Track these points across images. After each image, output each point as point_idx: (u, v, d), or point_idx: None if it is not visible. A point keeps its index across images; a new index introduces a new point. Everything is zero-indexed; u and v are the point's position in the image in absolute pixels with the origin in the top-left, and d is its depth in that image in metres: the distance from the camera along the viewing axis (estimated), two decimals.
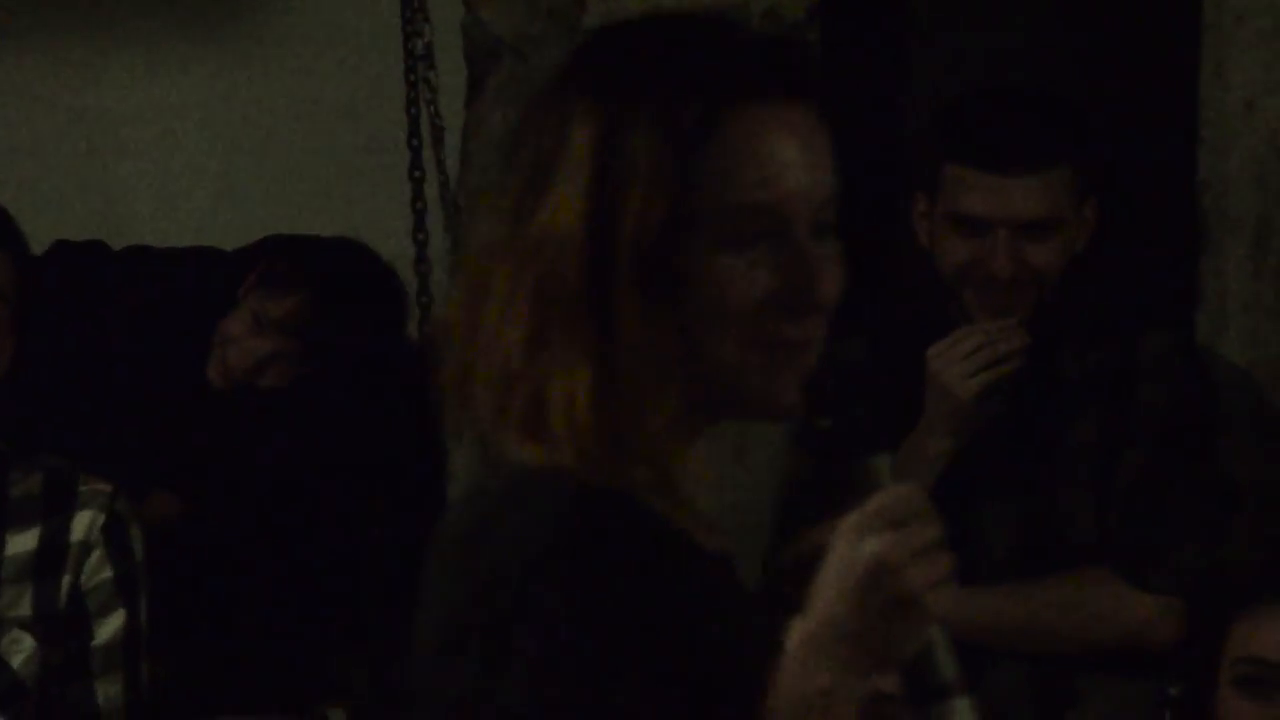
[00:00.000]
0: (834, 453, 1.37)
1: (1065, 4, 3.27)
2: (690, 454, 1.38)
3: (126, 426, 3.18)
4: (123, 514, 2.35)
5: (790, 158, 1.34)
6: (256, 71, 3.82)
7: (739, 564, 1.45)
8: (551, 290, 1.32)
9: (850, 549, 1.25)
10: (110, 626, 2.40)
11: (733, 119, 1.33)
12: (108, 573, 2.37)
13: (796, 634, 1.23)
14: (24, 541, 2.32)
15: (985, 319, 2.68)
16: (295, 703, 2.99)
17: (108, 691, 2.40)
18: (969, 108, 2.84)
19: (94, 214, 3.89)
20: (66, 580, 2.33)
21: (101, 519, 2.36)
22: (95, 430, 3.12)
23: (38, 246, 2.72)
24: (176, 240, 3.42)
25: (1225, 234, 3.10)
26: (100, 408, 3.18)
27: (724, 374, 1.35)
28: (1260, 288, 3.05)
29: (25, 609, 2.31)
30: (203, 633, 2.98)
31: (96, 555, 2.32)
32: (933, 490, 2.63)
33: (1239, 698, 2.46)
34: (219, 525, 3.15)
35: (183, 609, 2.86)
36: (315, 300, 3.05)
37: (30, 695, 2.29)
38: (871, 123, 3.20)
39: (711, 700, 1.30)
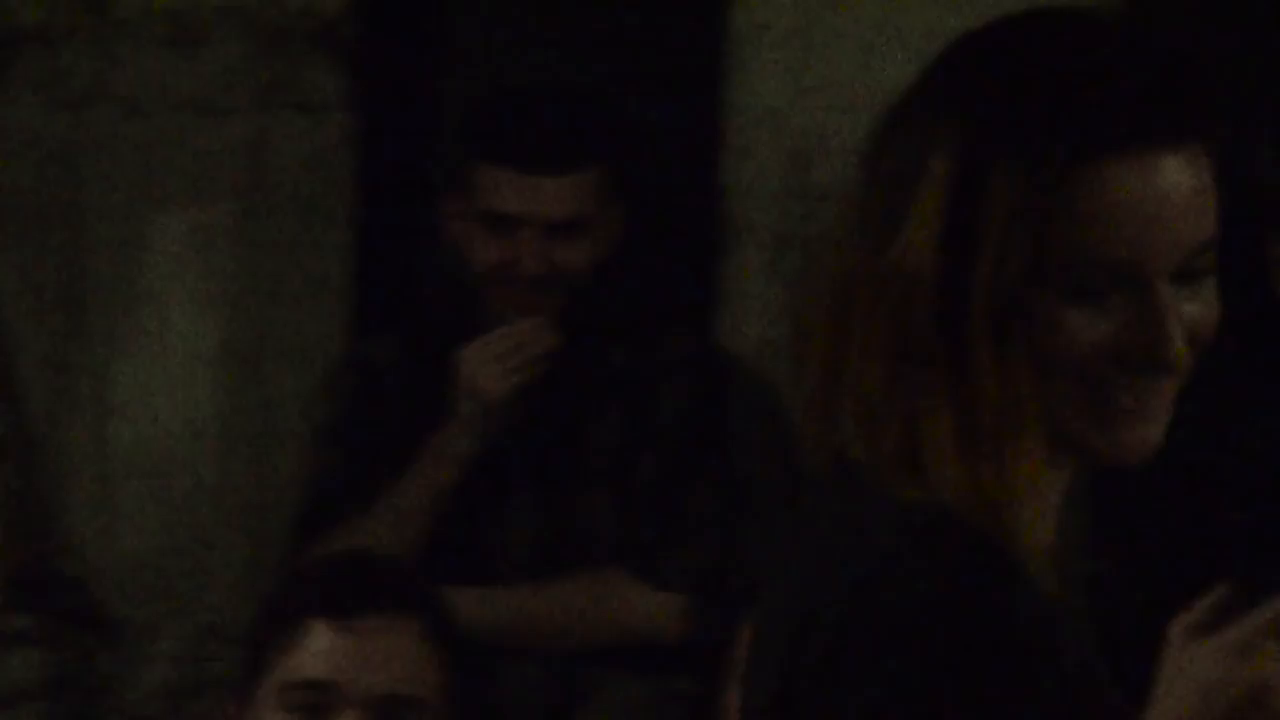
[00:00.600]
0: None
1: (594, 8, 3.36)
2: (1045, 501, 1.35)
3: None
4: None
5: (1154, 210, 1.30)
6: None
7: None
8: (906, 329, 1.28)
9: (1225, 668, 1.25)
10: None
11: (1103, 165, 1.29)
12: None
13: None
14: None
15: (514, 318, 2.71)
16: None
17: None
18: (498, 106, 2.87)
19: None
20: None
21: None
22: None
23: None
24: None
25: (746, 239, 3.24)
26: None
27: (1068, 427, 1.32)
28: (778, 293, 3.19)
29: None
30: None
31: None
32: (455, 489, 2.77)
33: None
34: None
35: None
36: None
37: None
38: (409, 120, 3.22)
39: None
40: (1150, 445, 1.29)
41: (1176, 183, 1.30)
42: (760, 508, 2.88)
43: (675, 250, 3.36)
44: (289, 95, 3.41)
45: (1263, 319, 3.08)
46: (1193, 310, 1.30)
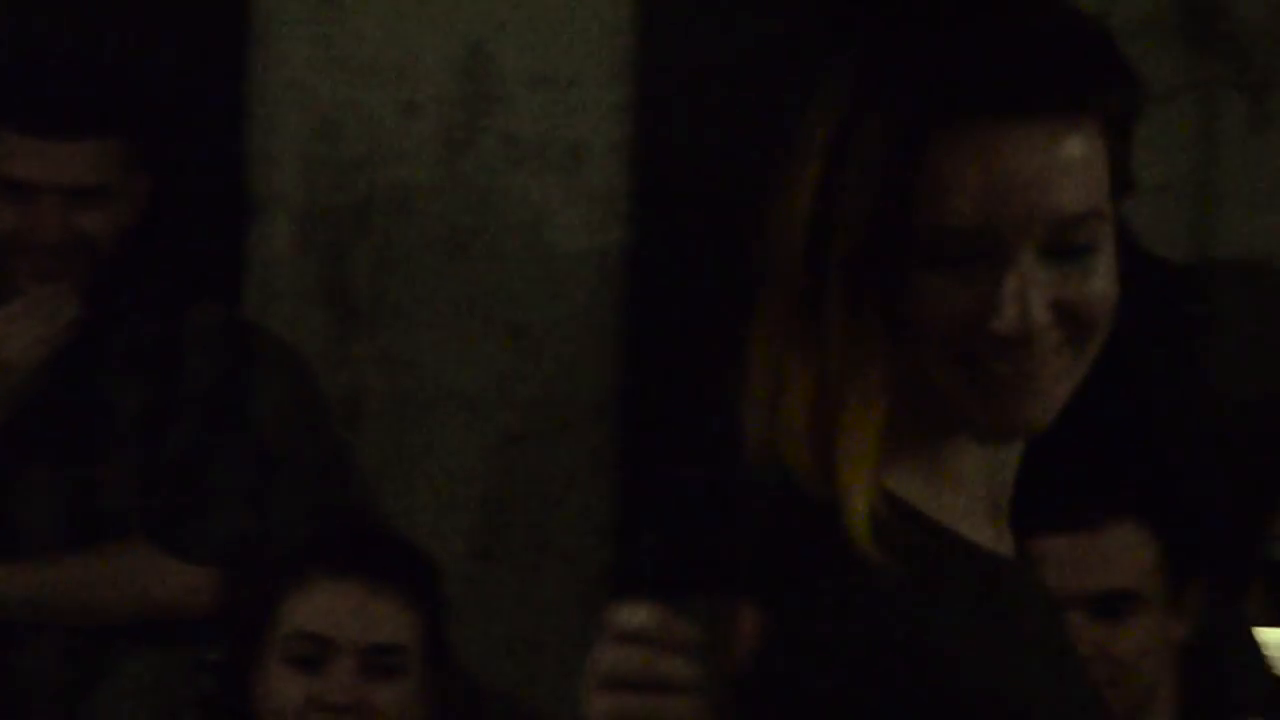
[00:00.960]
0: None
1: None
2: (948, 470, 1.32)
3: None
4: None
5: (1014, 178, 1.26)
6: None
7: None
8: (776, 291, 1.28)
9: None
10: None
11: (964, 128, 1.25)
12: None
13: None
14: None
15: (35, 286, 2.70)
16: None
17: None
18: (11, 70, 2.86)
19: None
20: None
21: None
22: None
23: None
24: None
25: (274, 210, 3.29)
26: None
27: (951, 398, 1.29)
28: (305, 265, 3.26)
29: None
30: None
31: None
32: None
33: (289, 672, 2.58)
34: None
35: None
36: None
37: None
38: None
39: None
40: (1032, 418, 1.28)
41: (1044, 151, 1.27)
42: (291, 479, 2.93)
43: (202, 220, 3.31)
44: None
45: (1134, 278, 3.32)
46: (1070, 285, 1.28)
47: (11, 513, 2.80)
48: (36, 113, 2.70)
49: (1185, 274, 3.49)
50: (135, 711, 2.84)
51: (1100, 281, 1.27)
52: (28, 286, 2.68)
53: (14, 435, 2.71)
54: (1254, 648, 2.42)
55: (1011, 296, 1.24)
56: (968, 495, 1.32)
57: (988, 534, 1.33)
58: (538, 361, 3.48)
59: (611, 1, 3.57)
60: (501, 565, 3.53)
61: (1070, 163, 1.27)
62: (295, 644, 2.58)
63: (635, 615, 1.19)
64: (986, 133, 1.24)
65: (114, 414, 2.79)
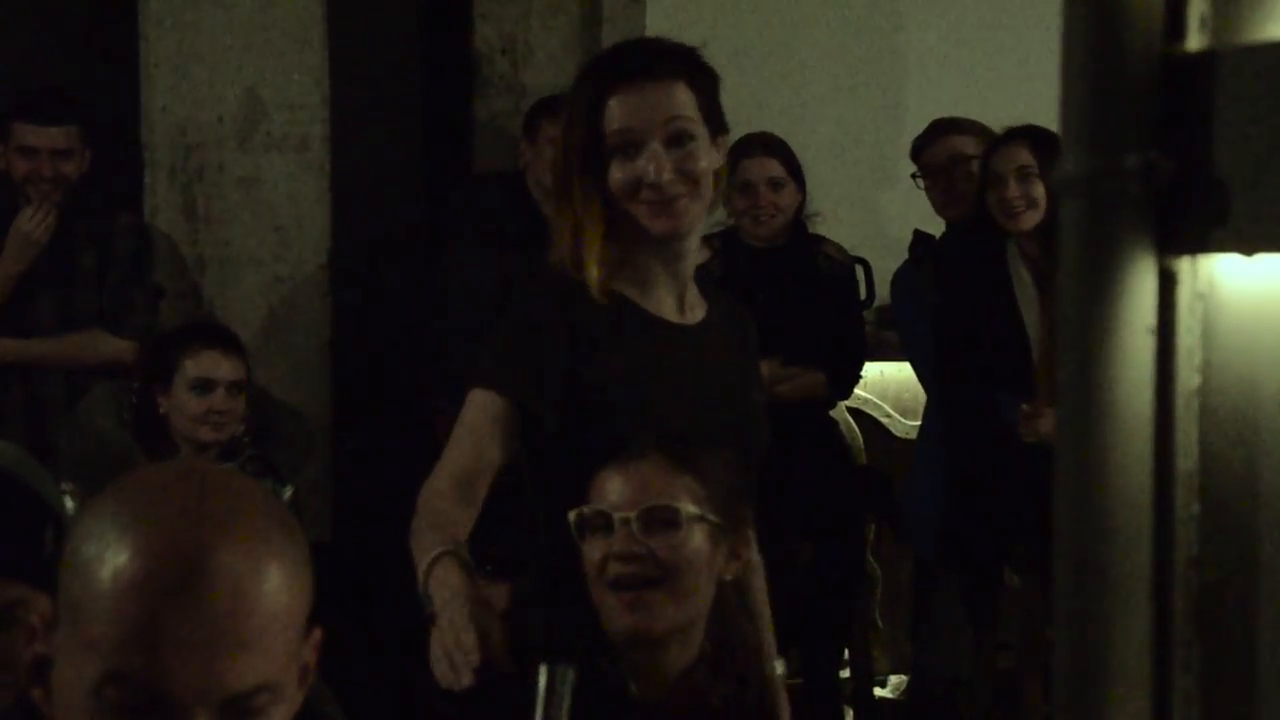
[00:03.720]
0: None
1: None
2: (643, 264, 2.33)
3: None
4: None
5: (638, 103, 2.26)
6: None
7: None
8: (556, 189, 2.38)
9: None
10: None
11: (612, 91, 2.29)
12: None
13: None
14: None
15: (36, 202, 3.86)
16: None
17: None
18: (20, 92, 3.85)
19: None
20: None
21: None
22: None
23: None
24: None
25: (152, 163, 4.48)
26: None
27: (625, 220, 2.28)
28: (171, 195, 4.49)
29: None
30: None
31: None
32: None
33: (191, 395, 3.58)
34: None
35: None
36: None
37: None
38: None
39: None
40: (672, 226, 2.31)
41: (651, 93, 2.29)
42: (167, 300, 4.21)
43: (117, 169, 4.33)
44: None
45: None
46: (677, 158, 2.29)
47: (27, 317, 3.98)
48: (38, 111, 3.89)
49: None
50: (106, 409, 3.85)
51: (696, 159, 2.31)
52: (35, 200, 3.88)
53: (28, 277, 3.92)
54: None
55: (661, 164, 2.28)
56: (657, 286, 2.34)
57: (671, 309, 2.39)
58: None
59: None
60: None
61: (673, 96, 2.29)
62: (194, 383, 3.63)
63: None
64: (626, 88, 2.35)
65: (79, 267, 3.99)
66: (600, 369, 2.28)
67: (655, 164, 2.26)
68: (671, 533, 2.05)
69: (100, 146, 4.19)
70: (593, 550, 2.06)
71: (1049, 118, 3.70)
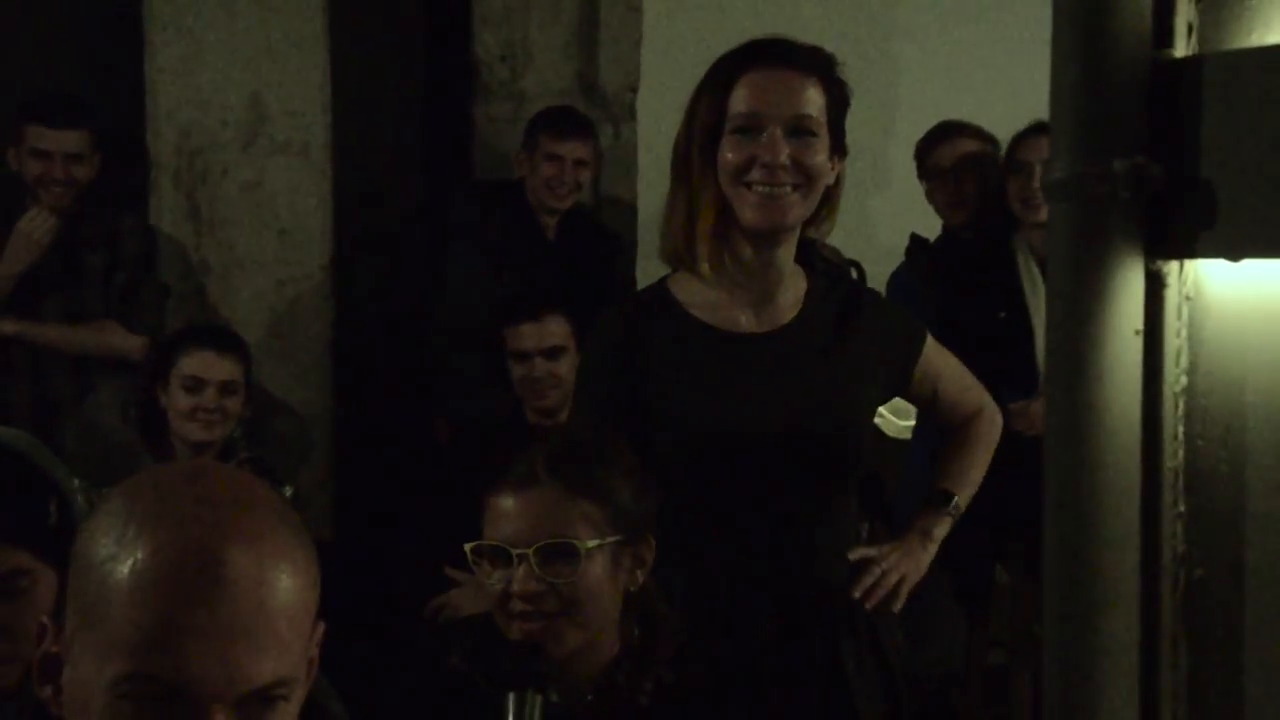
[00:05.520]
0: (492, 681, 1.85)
1: None
2: (743, 253, 2.27)
3: None
4: None
5: (769, 88, 2.19)
6: None
7: None
8: (674, 173, 2.30)
9: None
10: None
11: (744, 73, 2.22)
12: None
13: None
14: None
15: (44, 203, 3.84)
16: None
17: None
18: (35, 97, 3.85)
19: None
20: None
21: None
22: None
23: None
24: None
25: (158, 169, 4.38)
26: None
27: (736, 211, 2.23)
28: (177, 199, 4.41)
29: None
30: None
31: None
32: None
33: (184, 393, 3.61)
34: None
35: None
36: None
37: None
38: None
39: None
40: (771, 223, 2.24)
41: (783, 82, 2.19)
42: (173, 299, 4.17)
43: (124, 172, 4.27)
44: None
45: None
46: (796, 147, 2.20)
47: (35, 316, 3.95)
48: (52, 114, 3.87)
49: None
50: (112, 407, 3.91)
51: (813, 153, 2.21)
52: (45, 201, 3.85)
53: (33, 277, 3.90)
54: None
55: (780, 151, 2.16)
56: (735, 292, 2.29)
57: (746, 318, 2.35)
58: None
59: None
60: None
61: (804, 89, 2.19)
62: (185, 381, 3.63)
63: None
64: (756, 73, 2.20)
65: (86, 267, 3.97)
66: (657, 386, 2.27)
67: (774, 146, 2.19)
68: (571, 566, 2.02)
69: (108, 151, 4.18)
70: (494, 582, 2.04)
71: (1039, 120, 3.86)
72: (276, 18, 4.39)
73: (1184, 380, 1.60)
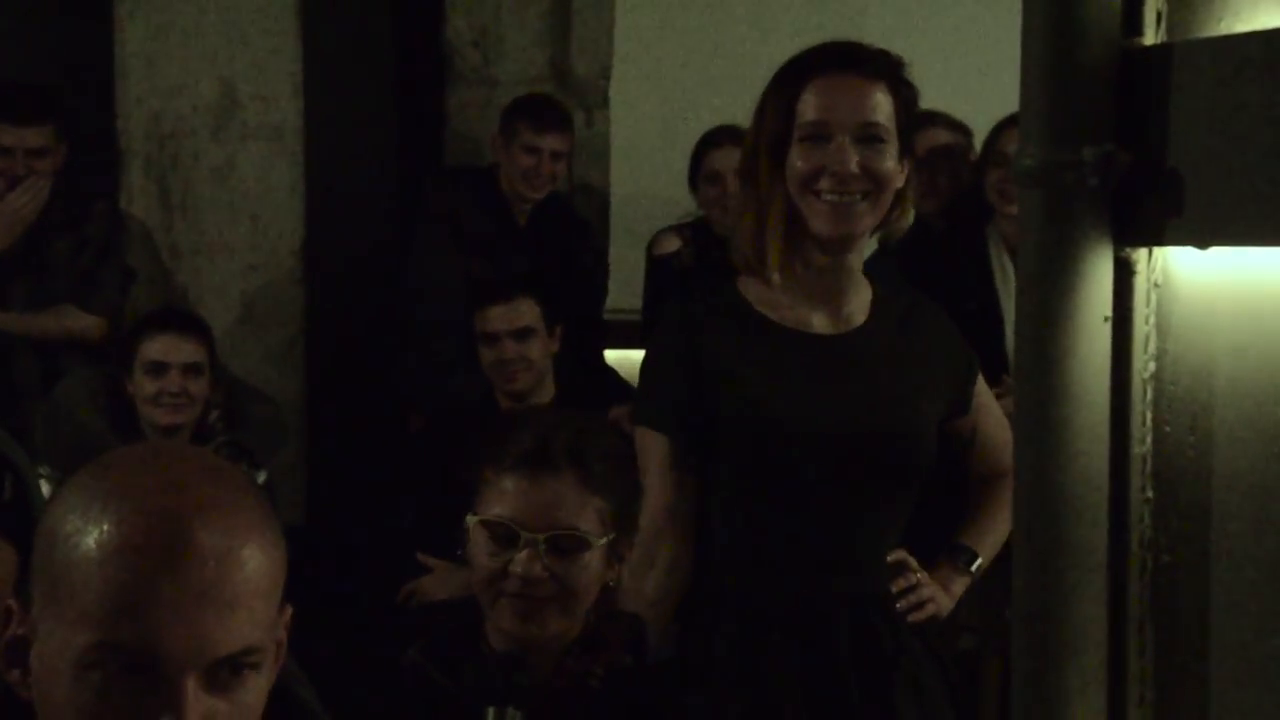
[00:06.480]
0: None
1: None
2: (811, 259, 2.26)
3: None
4: None
5: (837, 95, 2.18)
6: None
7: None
8: (744, 178, 2.31)
9: None
10: None
11: (811, 80, 2.20)
12: None
13: None
14: None
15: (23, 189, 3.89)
16: None
17: None
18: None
19: None
20: None
21: None
22: None
23: None
24: None
25: (129, 155, 4.44)
26: None
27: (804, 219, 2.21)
28: (148, 185, 4.46)
29: None
30: None
31: None
32: None
33: (148, 378, 3.63)
34: None
35: None
36: None
37: None
38: None
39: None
40: (842, 233, 2.24)
41: (851, 88, 2.17)
42: (137, 282, 4.18)
43: (94, 160, 4.31)
44: None
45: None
46: (866, 155, 2.19)
47: (4, 302, 4.00)
48: (13, 111, 3.92)
49: None
50: (80, 395, 3.81)
51: (882, 161, 2.20)
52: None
53: (2, 262, 3.95)
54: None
55: (849, 158, 2.16)
56: (808, 295, 2.27)
57: (820, 320, 2.33)
58: None
59: None
60: None
61: (870, 96, 2.18)
62: (148, 365, 3.67)
63: None
64: (823, 80, 2.16)
65: (53, 252, 4.03)
66: (727, 388, 2.26)
67: (842, 155, 2.18)
68: (576, 558, 2.02)
69: (76, 137, 4.19)
70: (492, 558, 2.02)
71: (1010, 109, 3.86)
72: (247, 2, 4.43)
73: (1152, 367, 1.61)
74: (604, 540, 2.02)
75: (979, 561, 2.50)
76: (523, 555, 1.99)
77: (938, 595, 2.41)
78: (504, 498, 2.01)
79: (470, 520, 2.03)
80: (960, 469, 2.45)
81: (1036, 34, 1.55)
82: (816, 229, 2.25)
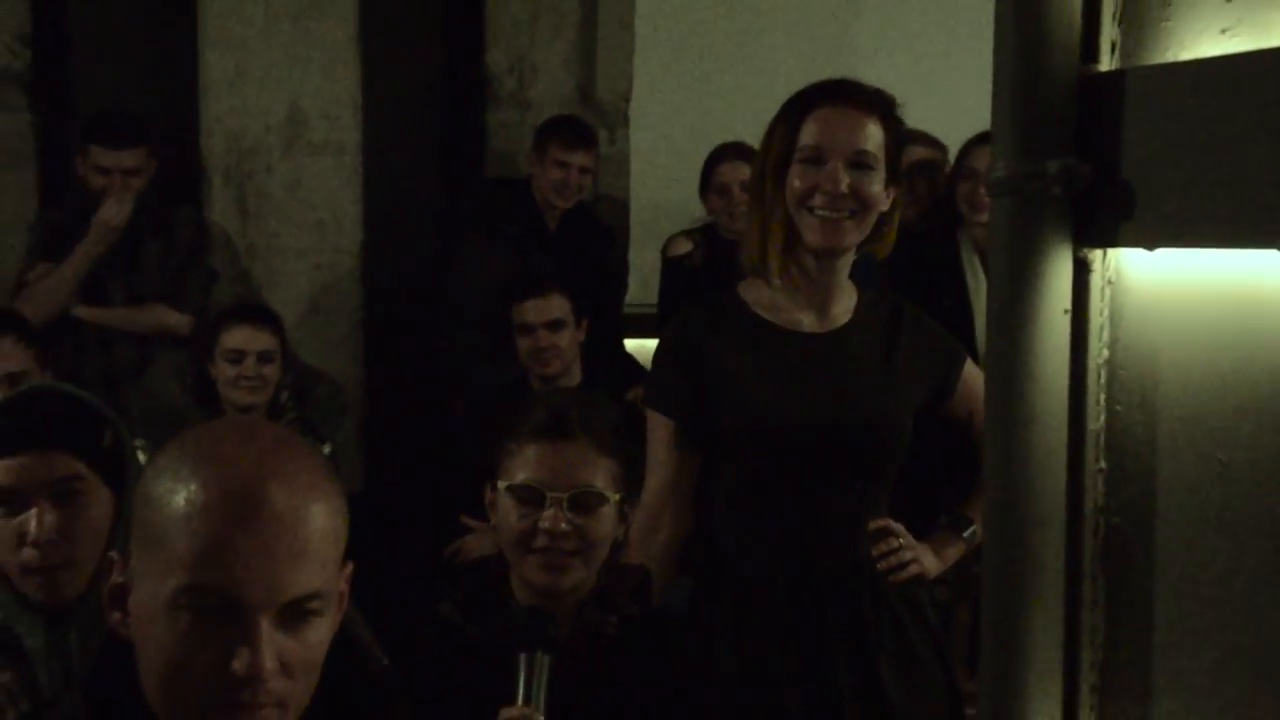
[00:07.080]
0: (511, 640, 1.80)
1: None
2: (807, 267, 2.23)
3: None
4: None
5: (831, 126, 2.18)
6: None
7: None
8: (751, 191, 2.29)
9: None
10: None
11: (813, 110, 2.21)
12: None
13: None
14: None
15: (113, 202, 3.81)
16: None
17: None
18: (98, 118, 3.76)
19: None
20: None
21: None
22: None
23: None
24: None
25: (211, 170, 4.37)
26: None
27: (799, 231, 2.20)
28: (227, 195, 4.38)
29: None
30: None
31: None
32: None
33: (228, 365, 3.59)
34: None
35: None
36: None
37: None
38: None
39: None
40: (830, 245, 2.23)
41: (846, 119, 2.17)
42: (220, 283, 4.13)
43: (179, 175, 4.23)
44: None
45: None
46: (855, 178, 2.18)
47: (101, 297, 3.96)
48: (110, 136, 3.89)
49: None
50: (170, 377, 3.93)
51: (875, 186, 2.20)
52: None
53: (102, 264, 3.88)
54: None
55: (841, 180, 2.17)
56: (799, 296, 2.22)
57: (809, 319, 2.29)
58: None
59: None
60: None
61: (863, 126, 2.15)
62: (228, 353, 3.65)
63: None
64: (823, 110, 2.13)
65: (145, 254, 3.99)
66: (725, 381, 2.26)
67: (835, 177, 2.19)
68: (595, 513, 2.01)
69: (165, 154, 4.16)
70: (521, 519, 2.00)
71: (981, 128, 3.72)
72: (313, 33, 4.39)
73: (1106, 353, 1.61)
74: (617, 496, 2.02)
75: (973, 528, 2.46)
76: (549, 513, 1.98)
77: (922, 556, 2.39)
78: (527, 464, 2.00)
79: (500, 485, 2.02)
80: (965, 449, 2.41)
81: (1005, 61, 1.55)
82: (809, 240, 2.25)
